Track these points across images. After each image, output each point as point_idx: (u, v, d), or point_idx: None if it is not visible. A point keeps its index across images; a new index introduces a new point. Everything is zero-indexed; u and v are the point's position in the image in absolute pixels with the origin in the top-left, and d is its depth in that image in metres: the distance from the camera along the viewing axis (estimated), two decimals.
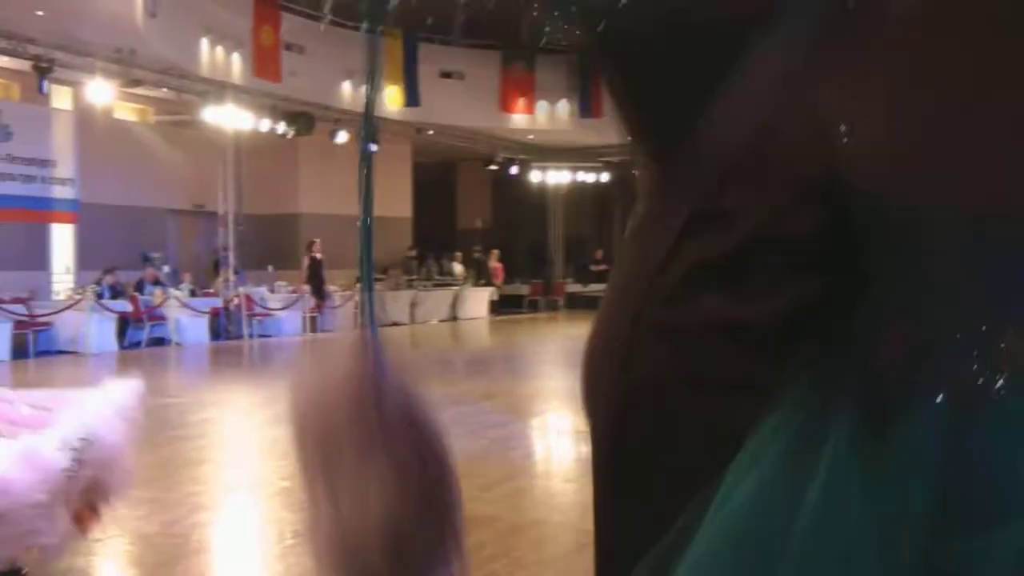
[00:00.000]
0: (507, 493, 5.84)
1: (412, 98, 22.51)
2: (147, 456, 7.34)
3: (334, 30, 22.26)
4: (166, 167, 21.38)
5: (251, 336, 18.75)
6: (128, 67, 17.95)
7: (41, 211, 18.25)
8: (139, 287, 17.88)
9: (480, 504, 5.54)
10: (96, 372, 14.69)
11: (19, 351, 15.48)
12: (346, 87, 21.91)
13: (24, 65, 16.98)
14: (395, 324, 21.93)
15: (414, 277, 24.44)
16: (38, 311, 16.31)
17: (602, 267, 26.02)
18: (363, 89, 1.39)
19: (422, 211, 27.96)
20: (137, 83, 18.53)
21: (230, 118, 19.61)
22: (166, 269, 19.70)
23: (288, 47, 20.11)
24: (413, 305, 23.12)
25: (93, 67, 17.44)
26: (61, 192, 18.41)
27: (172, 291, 18.11)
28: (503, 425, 8.29)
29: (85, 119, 18.88)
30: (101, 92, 17.69)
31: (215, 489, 6.21)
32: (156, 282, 18.47)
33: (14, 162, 17.63)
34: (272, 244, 23.25)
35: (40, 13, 15.78)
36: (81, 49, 17.08)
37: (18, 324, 15.69)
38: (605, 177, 28.10)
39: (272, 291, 19.97)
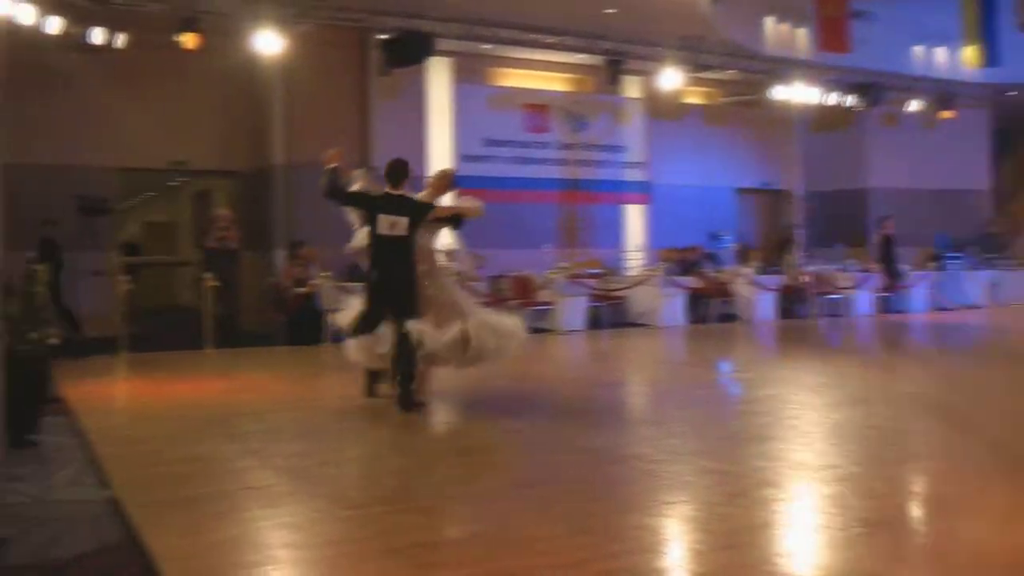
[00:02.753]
0: None
1: (991, 57, 20.76)
2: (716, 429, 7.47)
3: None
4: (732, 147, 21.68)
5: (819, 315, 18.48)
6: (695, 53, 18.43)
7: (615, 193, 19.48)
8: (694, 264, 18.34)
9: None
10: (666, 344, 15.30)
11: (593, 322, 16.60)
12: (917, 51, 20.78)
13: (596, 60, 18.13)
14: (972, 306, 20.47)
15: (994, 255, 22.57)
16: (612, 286, 17.37)
17: None
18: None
19: (1004, 181, 25.81)
20: (704, 68, 19.00)
21: (797, 94, 19.44)
22: (733, 247, 20.05)
23: (855, 15, 19.46)
24: (993, 285, 21.42)
25: (662, 56, 18.13)
26: (632, 175, 19.53)
27: (741, 268, 18.37)
28: None
29: (654, 105, 19.71)
30: (670, 79, 18.29)
31: (780, 466, 6.11)
32: (711, 259, 18.89)
33: (590, 150, 18.99)
34: (840, 221, 22.71)
35: (611, 11, 16.69)
36: (650, 40, 17.84)
37: (593, 297, 16.82)
38: None
39: (841, 269, 19.50)
